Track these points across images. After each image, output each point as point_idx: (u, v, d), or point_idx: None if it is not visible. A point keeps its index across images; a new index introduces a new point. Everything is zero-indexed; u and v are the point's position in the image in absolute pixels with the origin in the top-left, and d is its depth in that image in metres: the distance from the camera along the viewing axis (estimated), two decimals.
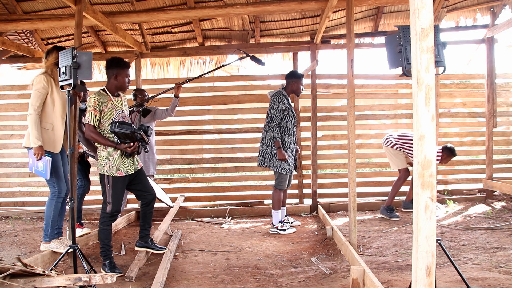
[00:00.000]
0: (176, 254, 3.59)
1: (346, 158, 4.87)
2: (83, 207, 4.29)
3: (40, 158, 3.08)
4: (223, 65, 5.04)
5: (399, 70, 2.40)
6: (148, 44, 5.50)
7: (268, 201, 5.52)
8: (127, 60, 3.95)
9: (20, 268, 1.98)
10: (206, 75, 5.21)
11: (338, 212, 5.18)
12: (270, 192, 4.55)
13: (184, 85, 4.75)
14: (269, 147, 4.20)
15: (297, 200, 5.55)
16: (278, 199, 4.30)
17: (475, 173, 5.74)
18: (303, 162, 5.56)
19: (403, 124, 5.78)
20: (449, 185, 5.74)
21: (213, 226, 4.74)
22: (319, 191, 5.43)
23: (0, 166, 5.64)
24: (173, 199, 5.12)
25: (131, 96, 4.86)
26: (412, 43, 1.54)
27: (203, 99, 5.75)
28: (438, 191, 5.48)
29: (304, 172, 5.57)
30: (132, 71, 4.22)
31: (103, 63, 5.75)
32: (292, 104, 4.64)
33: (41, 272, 2.07)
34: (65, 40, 5.57)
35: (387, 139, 4.79)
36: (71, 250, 2.80)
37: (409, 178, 4.77)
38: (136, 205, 5.38)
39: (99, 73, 5.94)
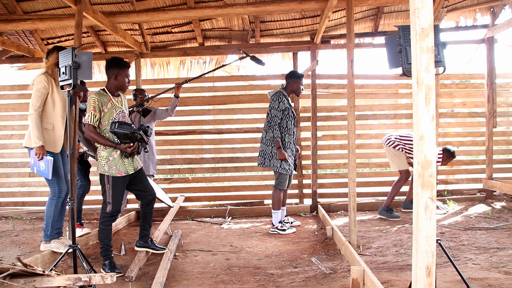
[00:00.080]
0: (176, 254, 3.59)
1: (346, 158, 4.87)
2: (83, 207, 4.29)
3: (42, 158, 3.08)
4: (223, 65, 5.04)
5: (399, 70, 2.40)
6: (148, 44, 5.50)
7: (268, 201, 5.52)
8: (127, 60, 3.95)
9: (20, 268, 1.98)
10: (206, 75, 5.21)
11: (338, 212, 5.18)
12: (270, 192, 4.55)
13: (184, 85, 4.75)
14: (269, 147, 4.20)
15: (297, 200, 5.55)
16: (278, 199, 4.30)
17: (475, 173, 5.74)
18: (303, 162, 5.56)
19: (403, 124, 5.78)
20: (449, 185, 5.74)
21: (213, 226, 4.74)
22: (319, 191, 5.43)
23: (0, 166, 5.64)
24: (173, 199, 5.12)
25: (131, 96, 4.86)
26: (412, 43, 1.54)
27: (203, 99, 5.75)
28: (438, 191, 5.48)
29: (304, 172, 5.57)
30: (132, 71, 4.22)
31: (103, 63, 5.75)
32: (292, 104, 4.64)
33: (41, 272, 2.07)
34: (65, 40, 5.57)
35: (388, 139, 4.77)
36: (71, 250, 2.80)
37: (409, 178, 4.78)
38: (136, 205, 5.38)
39: (99, 73, 5.94)
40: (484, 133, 5.54)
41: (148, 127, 3.10)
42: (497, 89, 5.47)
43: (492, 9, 5.28)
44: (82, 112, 3.71)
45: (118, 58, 3.07)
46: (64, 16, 4.72)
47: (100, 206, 3.13)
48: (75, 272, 2.79)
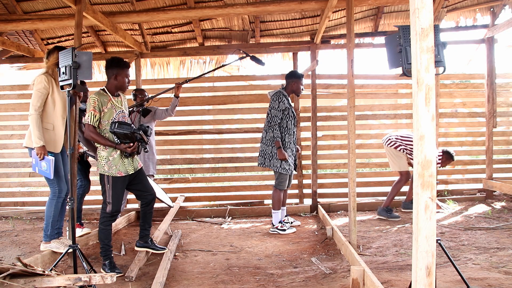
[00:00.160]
0: (176, 254, 3.59)
1: (346, 158, 4.87)
2: (83, 207, 4.29)
3: (43, 158, 3.08)
4: (223, 65, 5.04)
5: (399, 70, 2.40)
6: (148, 44, 5.50)
7: (268, 201, 5.52)
8: (127, 60, 3.95)
9: (20, 268, 1.98)
10: (206, 75, 5.21)
11: (338, 212, 5.18)
12: (270, 192, 4.55)
13: (184, 85, 4.75)
14: (269, 147, 4.20)
15: (297, 200, 5.55)
16: (278, 199, 4.30)
17: (475, 173, 5.75)
18: (303, 162, 5.56)
19: (403, 124, 5.78)
20: (449, 185, 5.74)
21: (213, 226, 4.74)
22: (319, 191, 5.43)
23: (0, 166, 5.64)
24: (173, 199, 5.12)
25: (131, 96, 4.86)
26: (412, 43, 1.54)
27: (203, 99, 5.75)
28: (438, 191, 5.48)
29: (304, 172, 5.57)
30: (132, 71, 4.23)
31: (103, 63, 5.75)
32: (292, 104, 4.64)
33: (41, 272, 2.07)
34: (65, 40, 5.57)
35: (389, 139, 4.76)
36: (71, 250, 2.80)
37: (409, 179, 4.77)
38: (136, 205, 5.38)
39: (99, 73, 5.95)
40: (484, 133, 5.54)
41: (148, 127, 3.10)
42: (497, 89, 5.47)
43: (492, 9, 5.28)
44: (82, 112, 3.71)
45: (118, 58, 3.07)
46: (64, 16, 4.72)
47: (100, 206, 3.13)
48: (75, 272, 2.79)
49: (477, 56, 6.10)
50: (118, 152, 3.01)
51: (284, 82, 4.50)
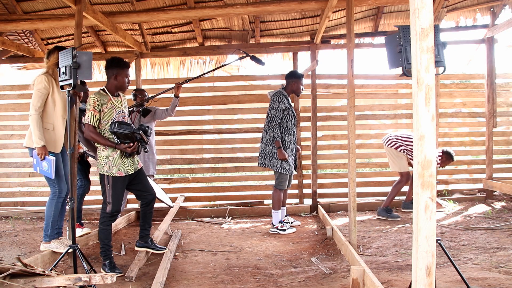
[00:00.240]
0: (176, 254, 3.59)
1: (346, 158, 4.87)
2: (83, 207, 4.29)
3: (44, 158, 3.08)
4: (223, 65, 5.04)
5: (399, 70, 2.40)
6: (148, 44, 5.50)
7: (268, 201, 5.53)
8: (127, 60, 3.94)
9: (20, 268, 1.98)
10: (206, 75, 5.21)
11: (338, 212, 5.18)
12: (270, 192, 4.55)
13: (184, 85, 4.75)
14: (270, 147, 4.20)
15: (297, 200, 5.55)
16: (278, 199, 4.30)
17: (475, 173, 5.75)
18: (303, 162, 5.56)
19: (403, 124, 5.78)
20: (449, 185, 5.74)
21: (213, 226, 4.74)
22: (319, 191, 5.43)
23: (0, 166, 5.64)
24: (173, 199, 5.12)
25: (131, 96, 4.86)
26: (412, 43, 1.54)
27: (203, 99, 5.75)
28: (438, 191, 5.48)
29: (304, 172, 5.57)
30: (132, 71, 4.22)
31: (103, 63, 5.75)
32: (292, 104, 4.64)
33: (41, 272, 2.07)
34: (65, 40, 5.57)
35: (389, 139, 4.75)
36: (71, 250, 2.80)
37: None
38: (136, 205, 5.38)
39: (99, 73, 5.95)
40: (484, 133, 5.54)
41: (148, 127, 3.10)
42: (497, 89, 5.47)
43: (492, 9, 5.28)
44: (82, 112, 3.71)
45: (118, 58, 3.07)
46: (64, 16, 4.72)
47: (100, 206, 3.13)
48: (75, 272, 2.79)
49: (477, 56, 6.10)
50: (118, 152, 3.01)
51: (284, 82, 4.50)
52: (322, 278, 2.94)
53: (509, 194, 5.19)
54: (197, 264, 3.36)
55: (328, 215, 4.63)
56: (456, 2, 5.23)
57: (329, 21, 5.14)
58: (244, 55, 4.59)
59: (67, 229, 3.54)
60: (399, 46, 2.33)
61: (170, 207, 4.68)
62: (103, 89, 3.03)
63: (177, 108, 4.68)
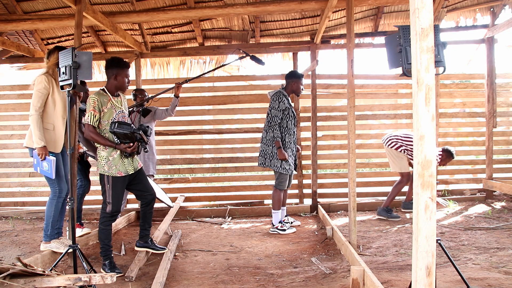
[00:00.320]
0: (176, 254, 3.59)
1: (346, 158, 4.87)
2: (83, 207, 4.29)
3: (44, 158, 3.08)
4: (223, 65, 5.04)
5: (399, 70, 2.40)
6: (148, 44, 5.50)
7: (268, 201, 5.52)
8: (127, 60, 3.95)
9: (20, 268, 1.98)
10: (206, 75, 5.21)
11: (338, 212, 5.18)
12: (270, 192, 4.55)
13: (184, 85, 4.75)
14: (270, 147, 4.20)
15: (297, 200, 5.55)
16: (278, 199, 4.30)
17: (475, 173, 5.74)
18: (303, 162, 5.56)
19: (403, 124, 5.78)
20: (449, 185, 5.74)
21: (213, 226, 4.74)
22: (319, 191, 5.43)
23: (0, 166, 5.64)
24: (173, 199, 5.12)
25: (131, 96, 4.86)
26: (412, 43, 1.54)
27: (203, 99, 5.75)
28: (438, 191, 5.48)
29: (304, 172, 5.57)
30: (132, 71, 4.22)
31: (103, 63, 5.75)
32: (292, 104, 4.65)
33: (41, 272, 2.07)
34: (65, 40, 5.57)
35: (389, 139, 4.74)
36: (71, 250, 2.80)
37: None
38: (136, 205, 5.38)
39: (99, 73, 5.95)
40: (484, 133, 5.54)
41: (148, 127, 3.10)
42: (497, 89, 5.47)
43: (492, 9, 5.28)
44: (82, 112, 3.71)
45: (118, 58, 3.07)
46: (64, 16, 4.72)
47: (100, 206, 3.13)
48: (75, 272, 2.79)
49: (477, 56, 6.10)
50: (118, 152, 3.01)
51: (284, 82, 4.50)
52: (322, 278, 2.94)
53: (509, 194, 5.19)
54: (197, 264, 3.36)
55: (328, 215, 4.63)
56: (456, 2, 5.23)
57: (329, 21, 5.14)
58: (244, 55, 4.59)
59: (67, 229, 3.54)
60: (399, 46, 2.33)
61: (170, 207, 4.68)
62: (103, 89, 3.03)
63: (177, 108, 4.68)
